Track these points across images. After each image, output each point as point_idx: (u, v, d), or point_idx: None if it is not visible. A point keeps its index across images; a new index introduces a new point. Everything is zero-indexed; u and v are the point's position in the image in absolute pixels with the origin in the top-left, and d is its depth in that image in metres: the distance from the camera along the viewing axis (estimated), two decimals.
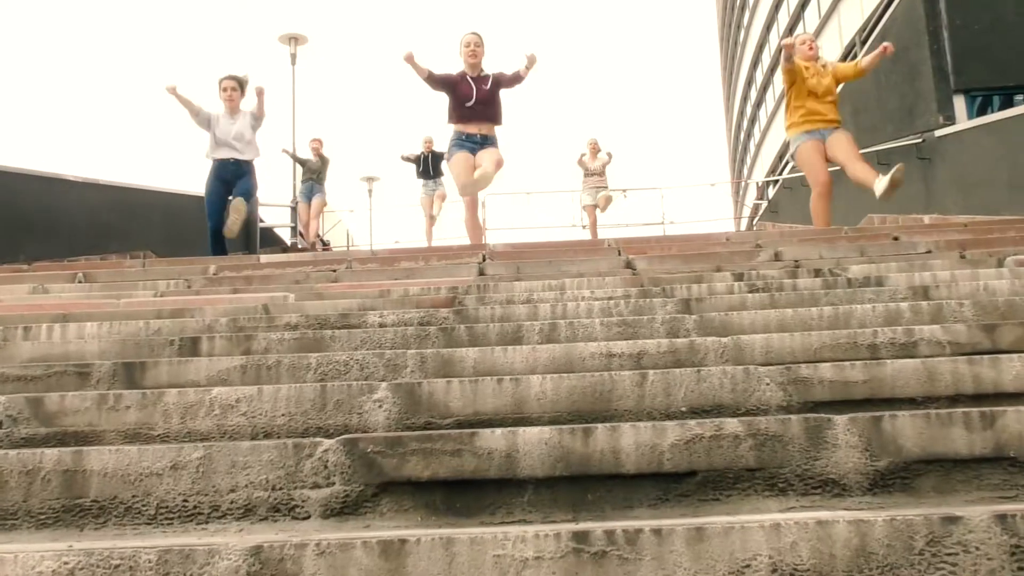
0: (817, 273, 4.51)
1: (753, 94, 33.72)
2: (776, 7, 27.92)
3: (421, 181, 13.44)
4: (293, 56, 19.86)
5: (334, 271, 5.65)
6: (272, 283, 5.45)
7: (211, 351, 3.23)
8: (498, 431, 1.73)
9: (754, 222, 23.79)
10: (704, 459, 1.70)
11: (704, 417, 2.14)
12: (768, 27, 29.41)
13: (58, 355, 3.24)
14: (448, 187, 12.84)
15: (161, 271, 5.98)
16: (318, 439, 1.74)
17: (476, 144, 7.34)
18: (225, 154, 7.45)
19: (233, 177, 7.50)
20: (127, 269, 6.29)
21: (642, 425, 1.74)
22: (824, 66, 7.36)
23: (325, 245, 15.37)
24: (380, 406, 2.19)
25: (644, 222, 19.74)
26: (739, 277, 4.48)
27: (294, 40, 19.88)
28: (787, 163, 22.87)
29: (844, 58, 20.66)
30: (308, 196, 13.79)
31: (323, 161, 13.53)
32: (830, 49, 21.96)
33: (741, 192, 30.09)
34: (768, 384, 2.15)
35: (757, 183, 24.50)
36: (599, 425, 1.73)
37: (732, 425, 1.72)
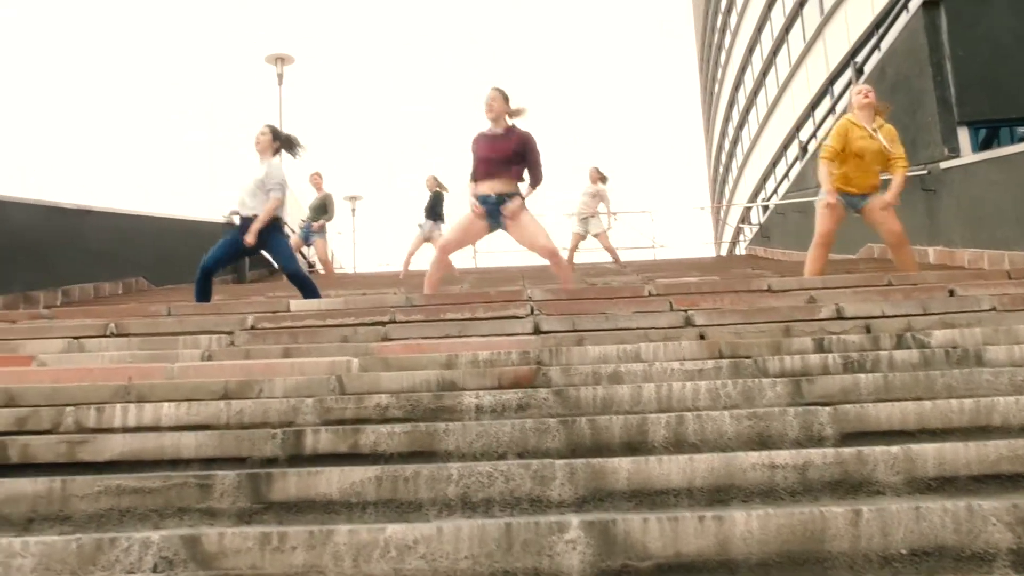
0: (900, 340, 4.40)
1: (736, 116, 33.90)
2: (759, 29, 28.10)
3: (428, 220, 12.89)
4: (280, 76, 19.67)
5: (382, 325, 5.46)
6: (318, 339, 5.26)
7: (316, 446, 3.04)
8: None
9: (739, 245, 23.86)
10: None
11: (926, 560, 2.00)
12: (750, 49, 29.58)
13: (152, 451, 3.03)
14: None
15: (194, 322, 5.75)
16: None
17: (492, 205, 6.81)
18: (246, 211, 7.10)
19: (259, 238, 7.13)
20: (157, 318, 6.05)
21: None
22: (878, 127, 7.09)
23: (311, 268, 15.02)
24: (573, 547, 2.03)
25: (634, 246, 19.72)
26: (820, 345, 4.37)
27: (280, 60, 19.70)
28: (776, 189, 22.96)
29: (831, 83, 20.83)
30: (305, 237, 13.10)
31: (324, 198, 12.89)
32: (816, 73, 22.12)
33: (723, 215, 30.19)
34: (995, 524, 2.01)
35: (747, 206, 24.57)
36: None
37: None
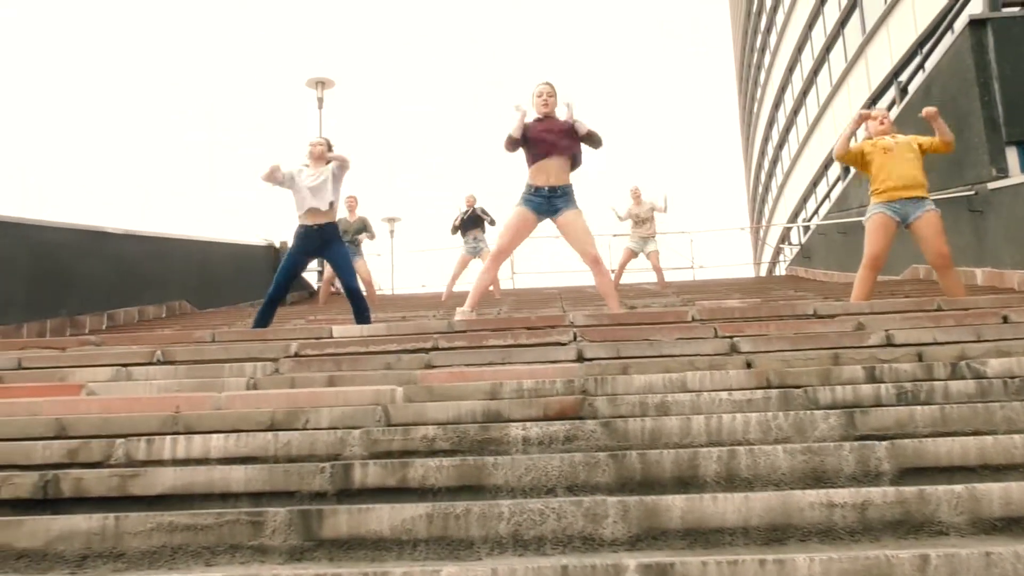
0: (954, 369, 4.30)
1: (775, 135, 33.65)
2: (799, 48, 27.94)
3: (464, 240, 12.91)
4: (320, 100, 19.86)
5: (425, 352, 5.45)
6: (362, 366, 5.25)
7: (365, 480, 3.03)
8: None
9: (779, 266, 23.64)
10: None
11: None
12: (790, 69, 29.40)
13: (202, 484, 3.03)
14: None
15: (239, 349, 5.77)
16: None
17: (544, 199, 6.83)
18: (309, 218, 7.29)
19: (320, 246, 7.33)
20: (201, 344, 6.09)
21: None
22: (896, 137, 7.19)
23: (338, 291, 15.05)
24: None
25: (674, 266, 19.63)
26: (872, 374, 4.28)
27: (321, 84, 19.89)
28: (817, 209, 22.75)
29: (874, 102, 20.60)
30: None
31: (361, 222, 12.91)
32: (859, 93, 21.91)
33: (763, 235, 29.94)
34: None
35: (788, 226, 24.33)
36: None
37: None
